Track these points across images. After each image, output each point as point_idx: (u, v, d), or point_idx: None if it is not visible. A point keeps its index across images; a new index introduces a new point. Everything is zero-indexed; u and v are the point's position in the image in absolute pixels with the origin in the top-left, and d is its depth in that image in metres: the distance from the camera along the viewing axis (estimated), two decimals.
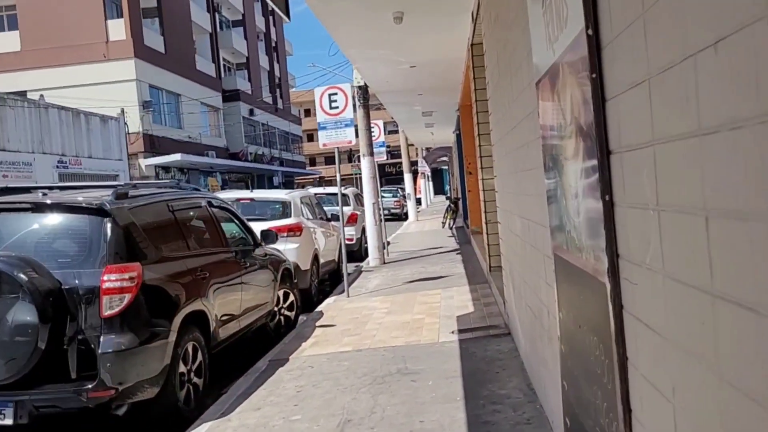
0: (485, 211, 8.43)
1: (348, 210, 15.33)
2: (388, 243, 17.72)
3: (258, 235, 7.19)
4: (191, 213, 5.73)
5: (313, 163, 75.83)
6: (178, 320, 4.72)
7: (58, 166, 25.04)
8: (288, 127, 59.46)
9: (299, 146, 64.57)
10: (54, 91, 29.03)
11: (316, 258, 10.08)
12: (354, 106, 12.78)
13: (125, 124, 30.52)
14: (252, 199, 9.91)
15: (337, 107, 9.38)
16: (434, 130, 21.56)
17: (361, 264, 13.76)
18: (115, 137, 29.68)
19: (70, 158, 25.93)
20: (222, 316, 5.62)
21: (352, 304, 8.67)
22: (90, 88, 30.42)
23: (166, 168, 33.54)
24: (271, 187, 45.37)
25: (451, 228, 21.02)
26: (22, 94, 26.32)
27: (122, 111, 30.20)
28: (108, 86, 31.10)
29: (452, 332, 6.25)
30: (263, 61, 55.13)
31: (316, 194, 14.76)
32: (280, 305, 7.65)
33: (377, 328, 6.84)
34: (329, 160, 74.06)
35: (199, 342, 5.10)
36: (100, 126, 28.38)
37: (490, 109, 6.02)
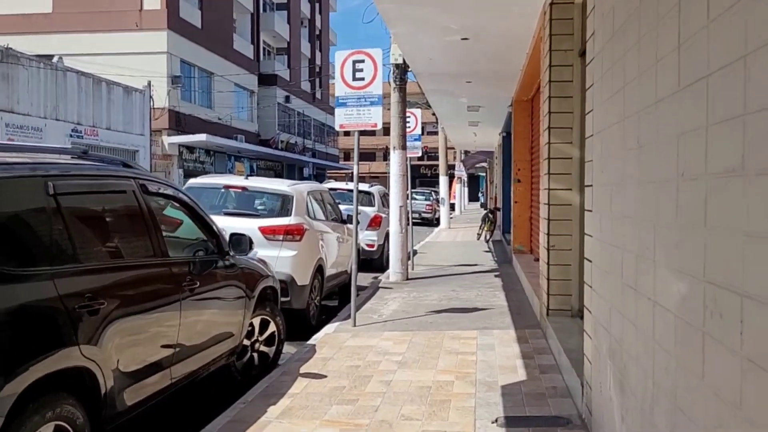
0: (548, 233, 6.16)
1: (371, 211, 13.17)
2: (415, 252, 15.49)
3: (230, 238, 5.04)
4: (98, 201, 3.59)
5: (347, 157, 73.92)
6: (15, 389, 2.60)
7: (72, 135, 23.39)
8: (324, 118, 57.74)
9: (334, 139, 62.79)
10: (82, 58, 27.55)
11: (320, 270, 7.92)
12: (391, 87, 10.60)
13: (151, 97, 28.87)
14: (245, 188, 7.78)
15: (362, 79, 7.13)
16: (478, 130, 19.24)
17: (380, 276, 11.56)
18: (138, 110, 28.04)
19: (86, 128, 24.28)
20: (132, 368, 3.48)
21: (357, 339, 6.48)
22: (119, 57, 28.87)
23: (190, 148, 31.91)
24: (301, 178, 43.53)
25: (487, 241, 18.69)
26: (49, 57, 24.72)
27: (149, 84, 28.55)
28: (138, 57, 29.50)
29: (495, 421, 4.02)
30: (305, 48, 53.40)
31: (331, 189, 12.61)
32: (254, 338, 5.51)
33: (383, 394, 4.63)
34: (365, 156, 72.02)
35: (72, 421, 2.97)
36: (123, 97, 26.74)
37: (594, 79, 3.76)
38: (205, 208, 8.04)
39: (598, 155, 3.73)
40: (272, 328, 5.63)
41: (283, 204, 7.53)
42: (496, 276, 11.28)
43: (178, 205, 4.60)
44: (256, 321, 5.46)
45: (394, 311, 8.05)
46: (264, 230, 7.15)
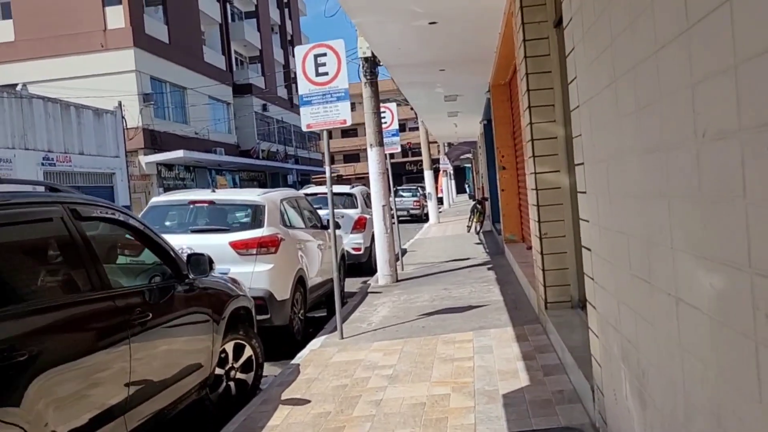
0: (539, 220, 5.70)
1: (354, 213, 12.69)
2: (404, 252, 15.03)
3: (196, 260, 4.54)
4: (14, 233, 3.08)
5: (331, 161, 73.35)
6: None
7: (43, 163, 22.76)
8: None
9: (316, 143, 62.38)
10: (50, 83, 26.96)
11: (301, 282, 7.43)
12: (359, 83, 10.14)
13: (123, 118, 28.26)
14: (212, 202, 7.26)
15: (326, 74, 6.68)
16: (458, 120, 18.80)
17: (369, 280, 11.08)
18: (111, 132, 27.43)
19: (58, 155, 23.64)
20: (72, 425, 2.98)
21: (345, 353, 5.99)
22: (87, 79, 28.30)
23: (168, 165, 31.32)
24: (286, 185, 42.96)
25: (477, 233, 18.25)
26: (13, 86, 24.08)
27: (119, 104, 27.94)
28: (106, 78, 28.91)
29: None
30: (278, 54, 52.84)
31: (310, 194, 12.13)
32: (229, 365, 5.01)
33: (372, 418, 4.15)
34: (348, 157, 71.61)
35: None
36: (94, 120, 26.11)
37: (574, 42, 3.29)
38: (174, 226, 7.61)
39: (587, 128, 3.27)
40: (248, 352, 5.14)
41: (254, 215, 7.02)
42: (489, 269, 10.82)
43: (124, 228, 4.09)
44: (229, 346, 4.97)
45: (383, 318, 7.57)
46: (235, 245, 6.65)
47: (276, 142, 48.76)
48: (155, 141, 30.56)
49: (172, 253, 4.38)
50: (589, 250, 3.49)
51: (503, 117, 12.16)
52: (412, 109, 21.89)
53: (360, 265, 12.66)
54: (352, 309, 8.33)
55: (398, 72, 11.03)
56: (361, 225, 12.46)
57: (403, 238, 19.53)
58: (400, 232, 22.46)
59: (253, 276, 6.57)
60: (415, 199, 29.74)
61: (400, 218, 30.35)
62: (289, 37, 56.21)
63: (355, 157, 70.30)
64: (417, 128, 31.12)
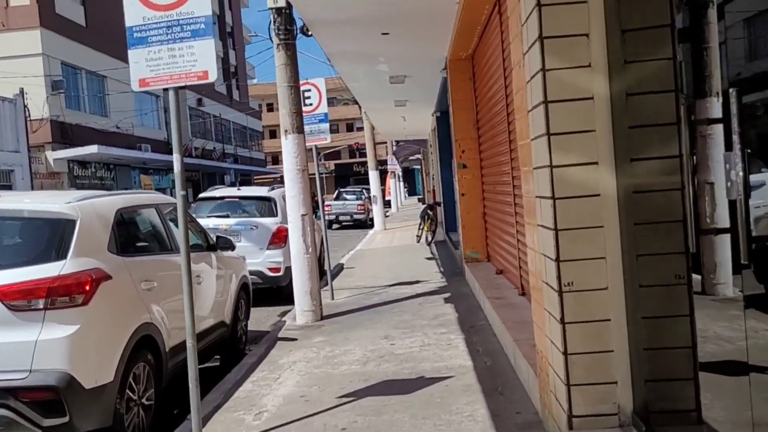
0: (558, 258, 2.96)
1: (273, 223, 9.80)
2: (340, 269, 12.18)
3: None
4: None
5: (276, 161, 70.04)
6: None
7: None
8: (246, 121, 53.91)
9: (258, 143, 59.03)
10: None
11: (148, 345, 4.49)
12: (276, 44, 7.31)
13: (25, 107, 24.57)
14: None
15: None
16: (407, 112, 16.07)
17: (290, 311, 8.22)
18: (9, 123, 23.75)
19: None
20: None
21: None
22: None
23: (83, 163, 27.67)
24: (224, 186, 39.54)
25: (429, 244, 15.56)
26: None
27: (21, 91, 24.28)
28: (7, 62, 25.11)
29: None
30: (216, 46, 49.24)
31: (215, 198, 9.26)
32: None
33: None
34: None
35: None
36: None
37: None
38: None
39: None
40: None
41: (50, 238, 4.06)
42: (446, 300, 8.09)
43: None
44: None
45: (284, 401, 4.72)
46: (4, 293, 3.69)
47: (213, 139, 45.40)
48: (66, 134, 26.88)
49: None
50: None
51: (464, 101, 9.47)
52: (355, 102, 19.10)
53: (279, 291, 9.78)
54: (242, 376, 5.44)
55: (326, 34, 8.19)
56: (280, 238, 9.56)
57: (342, 249, 16.74)
58: (341, 241, 19.69)
59: (36, 350, 3.64)
60: (359, 202, 26.89)
61: (343, 224, 27.66)
62: (228, 29, 52.76)
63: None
64: (363, 128, 28.35)
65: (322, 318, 7.60)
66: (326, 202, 28.76)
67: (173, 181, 32.50)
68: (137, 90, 3.84)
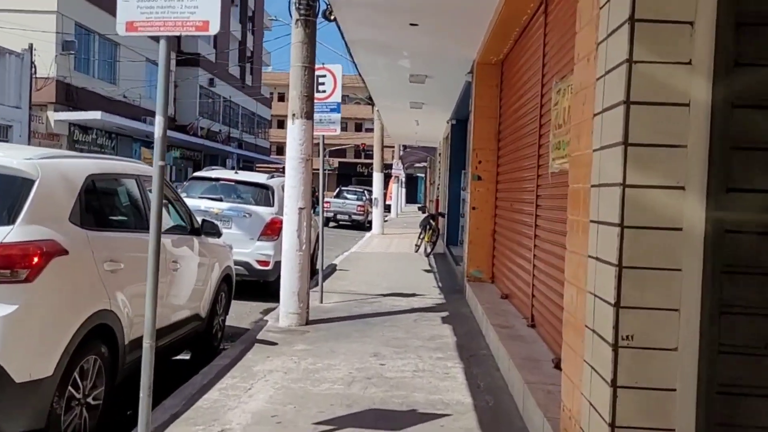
0: (618, 302, 2.31)
1: (267, 213, 9.16)
2: (332, 270, 11.54)
3: None
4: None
5: (280, 151, 69.34)
6: None
7: None
8: (255, 107, 53.40)
9: (265, 131, 58.47)
10: None
11: (101, 335, 3.83)
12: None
13: (32, 63, 23.96)
14: None
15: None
16: (422, 115, 15.46)
17: (274, 309, 7.57)
18: (14, 77, 23.14)
19: None
20: None
21: None
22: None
23: (84, 128, 27.06)
24: (226, 169, 38.89)
25: (428, 255, 14.91)
26: None
27: (30, 47, 23.67)
28: (20, 15, 24.49)
29: None
30: (235, 28, 48.83)
31: (210, 179, 8.66)
32: None
33: None
34: None
35: None
36: None
37: None
38: None
39: None
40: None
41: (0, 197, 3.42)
42: (444, 320, 7.44)
43: None
44: None
45: (254, 418, 4.06)
46: None
47: (220, 121, 44.85)
48: (70, 97, 26.27)
49: None
50: None
51: (488, 109, 8.84)
52: (369, 101, 18.48)
53: (265, 285, 9.14)
54: (210, 381, 4.78)
55: (351, 18, 7.56)
56: (274, 230, 8.91)
57: (337, 249, 16.07)
58: (336, 241, 19.00)
59: None
60: (360, 203, 26.22)
61: (341, 223, 26.95)
62: (250, 13, 52.25)
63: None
64: (373, 129, 27.57)
65: (308, 323, 6.94)
66: (326, 199, 28.12)
67: (175, 158, 31.89)
68: (122, 34, 3.20)
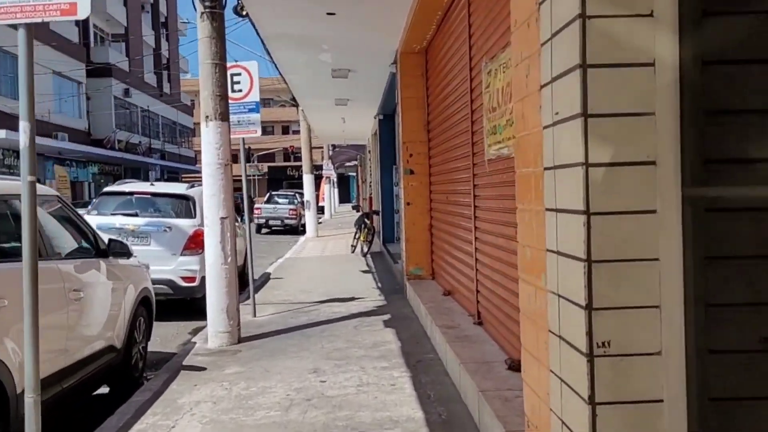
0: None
1: (189, 225, 8.52)
2: (266, 279, 10.98)
3: None
4: None
5: None
6: None
7: None
8: (176, 116, 51.67)
9: (188, 139, 56.72)
10: None
11: None
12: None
13: None
14: None
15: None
16: (347, 112, 15.02)
17: (197, 334, 6.98)
18: None
19: None
20: None
21: None
22: None
23: None
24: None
25: (365, 255, 14.51)
26: None
27: None
28: None
29: None
30: (148, 36, 47.03)
31: (121, 193, 8.10)
32: None
33: None
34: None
35: None
36: None
37: None
38: None
39: None
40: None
41: None
42: (386, 324, 7.04)
43: None
44: None
45: None
46: None
47: (139, 133, 43.11)
48: None
49: None
50: None
51: (415, 100, 8.49)
52: (293, 101, 17.90)
53: (193, 303, 8.50)
54: (126, 423, 4.20)
55: (263, 10, 7.04)
56: (197, 243, 8.28)
57: (270, 256, 15.46)
58: (269, 248, 18.31)
59: None
60: (291, 207, 25.53)
61: (273, 228, 26.13)
62: (162, 19, 50.45)
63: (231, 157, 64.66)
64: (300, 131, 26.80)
65: (240, 341, 6.40)
66: (256, 205, 27.22)
67: (93, 174, 30.39)
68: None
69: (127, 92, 40.71)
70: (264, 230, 25.06)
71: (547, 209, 2.26)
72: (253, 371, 5.31)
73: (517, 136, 2.65)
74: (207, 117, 6.27)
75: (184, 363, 5.71)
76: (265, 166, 67.92)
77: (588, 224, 1.93)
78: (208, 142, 6.26)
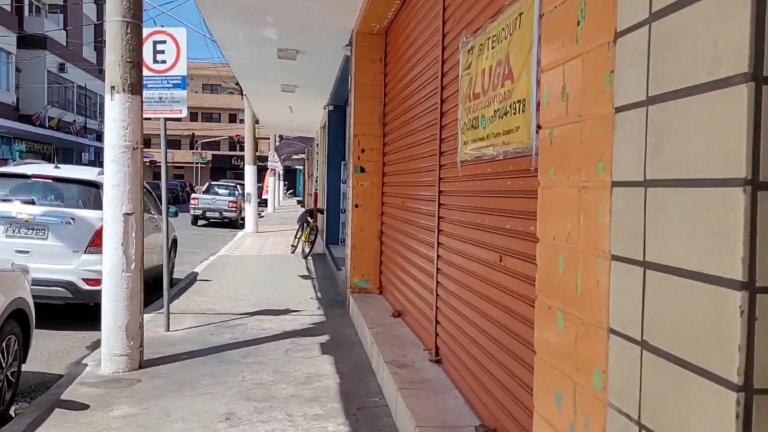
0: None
1: (96, 217, 7.19)
2: (192, 280, 9.71)
3: None
4: None
5: (147, 144, 64.85)
6: None
7: None
8: None
9: None
10: None
11: None
12: None
13: None
14: None
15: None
16: (294, 100, 13.80)
17: (95, 351, 5.74)
18: None
19: None
20: None
21: None
22: None
23: None
24: (81, 164, 35.01)
25: (305, 257, 13.35)
26: None
27: None
28: None
29: None
30: (89, 9, 44.45)
31: (15, 176, 6.74)
32: None
33: None
34: (171, 143, 62.99)
35: None
36: None
37: None
38: None
39: None
40: None
41: None
42: (323, 349, 5.94)
43: None
44: None
45: None
46: None
47: (74, 111, 40.70)
48: None
49: None
50: None
51: (370, 87, 7.42)
52: (237, 88, 16.63)
53: (98, 309, 7.18)
54: None
55: None
56: (95, 242, 6.98)
57: (203, 252, 14.13)
58: (203, 242, 16.90)
59: None
60: (231, 199, 24.02)
61: (211, 221, 24.53)
62: None
63: (175, 143, 62.19)
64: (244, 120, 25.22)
65: (141, 365, 5.20)
66: (193, 195, 25.53)
67: (20, 152, 28.19)
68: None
69: (62, 67, 38.31)
70: (201, 222, 23.52)
71: (616, 258, 1.23)
72: (148, 416, 4.14)
73: (548, 126, 1.61)
74: (113, 88, 5.03)
75: (63, 397, 4.48)
76: (209, 154, 65.58)
77: (750, 310, 0.90)
78: (113, 119, 5.03)
